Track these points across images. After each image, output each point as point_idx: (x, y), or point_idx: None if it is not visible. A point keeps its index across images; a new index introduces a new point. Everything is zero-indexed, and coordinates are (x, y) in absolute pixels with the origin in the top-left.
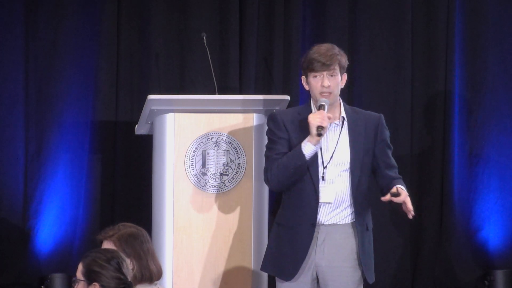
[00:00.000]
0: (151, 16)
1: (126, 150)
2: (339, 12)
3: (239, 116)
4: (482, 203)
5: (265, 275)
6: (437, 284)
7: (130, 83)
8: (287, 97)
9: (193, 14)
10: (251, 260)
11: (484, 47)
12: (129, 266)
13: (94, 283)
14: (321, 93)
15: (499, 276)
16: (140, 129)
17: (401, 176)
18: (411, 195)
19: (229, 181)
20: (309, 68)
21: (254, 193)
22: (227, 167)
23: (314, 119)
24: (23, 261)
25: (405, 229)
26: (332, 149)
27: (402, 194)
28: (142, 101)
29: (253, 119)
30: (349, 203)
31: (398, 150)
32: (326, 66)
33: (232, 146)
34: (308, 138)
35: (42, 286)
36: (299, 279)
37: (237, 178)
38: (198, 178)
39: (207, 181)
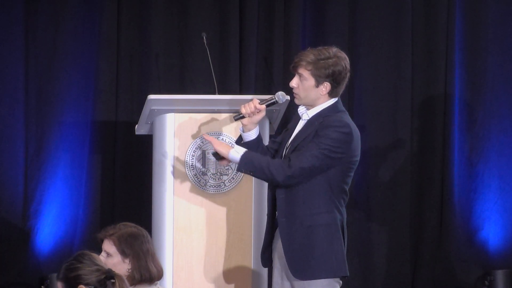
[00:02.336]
0: (151, 16)
1: (126, 150)
2: (339, 12)
3: None
4: (482, 203)
5: (265, 275)
6: (437, 284)
7: (130, 83)
8: (287, 97)
9: (193, 14)
10: (251, 259)
11: (484, 47)
12: (100, 258)
13: (79, 287)
14: (293, 93)
15: (499, 276)
16: (140, 129)
17: (290, 157)
18: (411, 195)
19: (229, 181)
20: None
21: (254, 193)
22: (227, 167)
23: (242, 106)
24: (23, 261)
25: (405, 229)
26: (288, 145)
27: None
28: (142, 101)
29: None
30: (279, 196)
31: (398, 150)
32: (293, 68)
33: (232, 146)
34: None
35: (42, 286)
36: (279, 274)
37: (237, 178)
38: (198, 178)
39: (207, 181)
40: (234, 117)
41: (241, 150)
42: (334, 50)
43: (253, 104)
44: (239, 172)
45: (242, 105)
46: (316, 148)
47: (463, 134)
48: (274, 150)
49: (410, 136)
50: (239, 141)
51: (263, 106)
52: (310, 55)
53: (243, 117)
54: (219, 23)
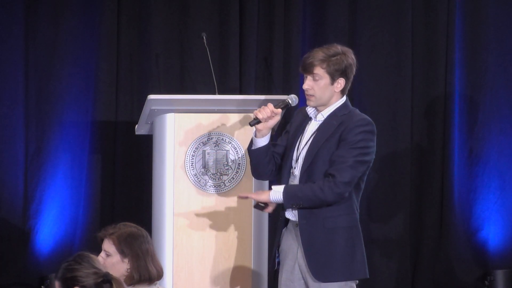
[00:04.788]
0: (151, 16)
1: (126, 150)
2: (339, 12)
3: (239, 116)
4: (482, 203)
5: (265, 275)
6: (437, 284)
7: (130, 83)
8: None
9: (193, 14)
10: (251, 260)
11: (484, 47)
12: (99, 261)
13: None
14: (306, 95)
15: (499, 276)
16: (140, 129)
17: (332, 174)
18: (411, 195)
19: (229, 181)
20: (300, 69)
21: None
22: (227, 167)
23: (256, 110)
24: (23, 261)
25: (405, 229)
26: (303, 146)
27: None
28: (142, 101)
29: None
30: None
31: (398, 150)
32: (307, 70)
33: (232, 146)
34: None
35: (42, 286)
36: (288, 277)
37: (237, 178)
38: (198, 178)
39: (207, 181)
40: (250, 123)
41: (280, 188)
42: (339, 46)
43: (270, 108)
44: (239, 172)
45: (257, 110)
46: (351, 157)
47: (463, 134)
48: (278, 153)
49: (410, 136)
50: (250, 147)
51: (279, 109)
52: (320, 53)
53: (259, 122)
54: (219, 23)
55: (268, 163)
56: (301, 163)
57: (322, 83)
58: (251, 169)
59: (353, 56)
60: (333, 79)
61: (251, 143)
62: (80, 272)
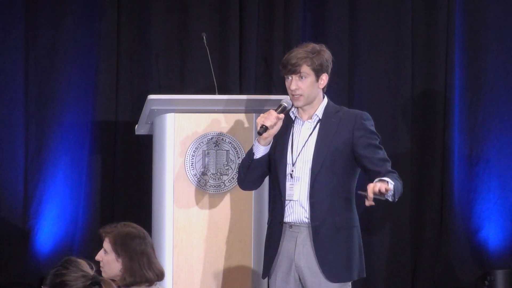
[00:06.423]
0: (151, 16)
1: (126, 150)
2: (339, 12)
3: (239, 116)
4: (482, 203)
5: None
6: (437, 284)
7: (130, 83)
8: (287, 97)
9: (193, 14)
10: (251, 260)
11: (484, 47)
12: (86, 265)
13: None
14: (292, 96)
15: (499, 276)
16: (140, 129)
17: (393, 171)
18: (411, 195)
19: (229, 181)
20: (281, 71)
21: (254, 193)
22: (227, 167)
23: (260, 118)
24: (23, 261)
25: (405, 229)
26: (301, 148)
27: (369, 189)
28: (142, 101)
29: (253, 119)
30: (307, 201)
31: (398, 150)
32: (292, 70)
33: (232, 146)
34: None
35: (42, 286)
36: (283, 279)
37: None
38: (198, 178)
39: (207, 181)
40: (259, 131)
41: (390, 183)
42: (312, 43)
43: (274, 114)
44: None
45: (262, 118)
46: (379, 149)
47: (463, 134)
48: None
49: (410, 136)
50: (252, 157)
51: (282, 115)
52: (301, 51)
53: (267, 129)
54: (219, 23)
55: (265, 171)
56: (310, 162)
57: (309, 81)
58: (247, 179)
59: (328, 52)
60: (317, 76)
61: (252, 153)
62: (69, 276)
